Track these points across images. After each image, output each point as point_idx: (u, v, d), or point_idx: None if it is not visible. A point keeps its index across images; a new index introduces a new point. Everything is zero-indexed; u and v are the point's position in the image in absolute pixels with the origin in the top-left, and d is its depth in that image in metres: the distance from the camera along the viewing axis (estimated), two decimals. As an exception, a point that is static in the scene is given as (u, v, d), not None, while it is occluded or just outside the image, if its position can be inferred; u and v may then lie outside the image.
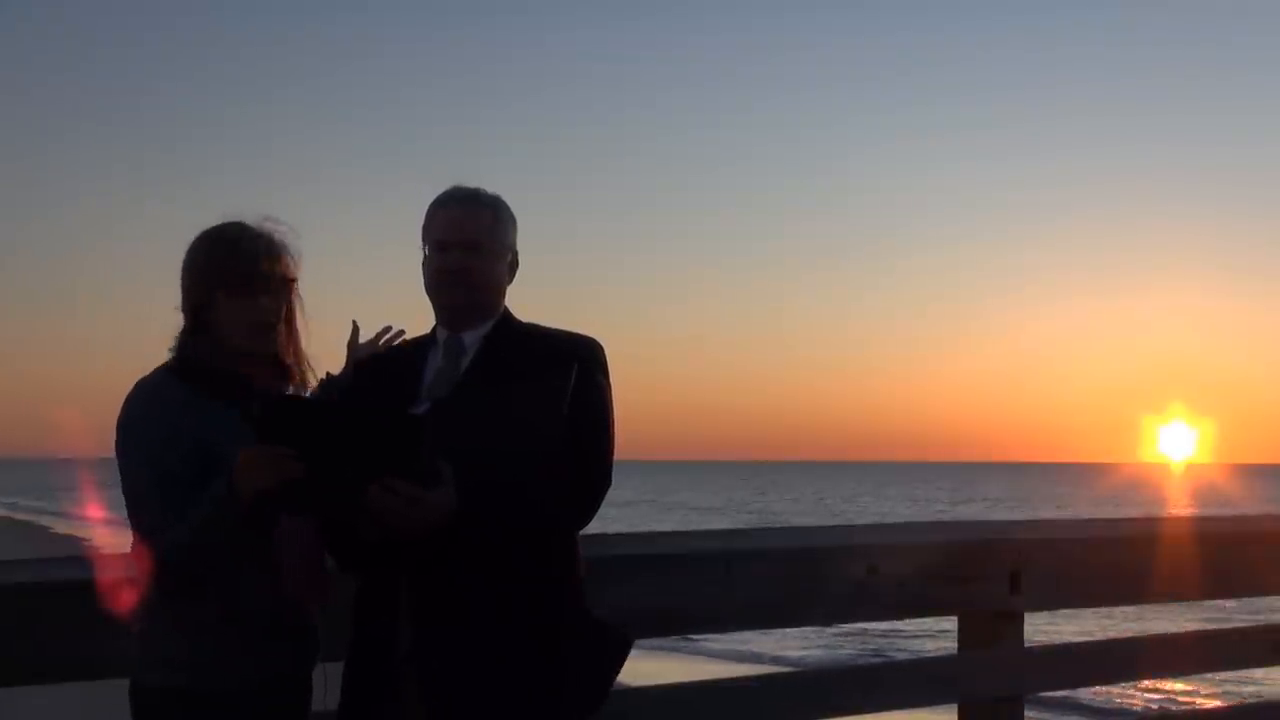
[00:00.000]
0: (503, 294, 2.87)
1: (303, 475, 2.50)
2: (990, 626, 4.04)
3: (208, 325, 2.74)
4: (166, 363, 2.76)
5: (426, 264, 2.82)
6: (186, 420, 2.68)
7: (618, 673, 2.81)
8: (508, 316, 2.86)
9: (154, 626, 2.72)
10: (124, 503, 2.69)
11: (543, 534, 2.72)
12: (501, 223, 2.85)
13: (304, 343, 2.86)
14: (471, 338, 2.81)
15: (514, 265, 2.89)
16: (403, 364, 2.84)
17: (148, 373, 2.76)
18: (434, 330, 2.87)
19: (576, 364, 2.71)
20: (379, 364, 2.89)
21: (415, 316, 2.90)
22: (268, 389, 2.76)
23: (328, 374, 2.92)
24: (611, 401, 2.82)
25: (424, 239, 2.84)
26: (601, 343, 2.84)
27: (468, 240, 2.78)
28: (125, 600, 2.76)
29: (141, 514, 2.67)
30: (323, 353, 2.93)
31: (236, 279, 2.71)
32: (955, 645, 4.12)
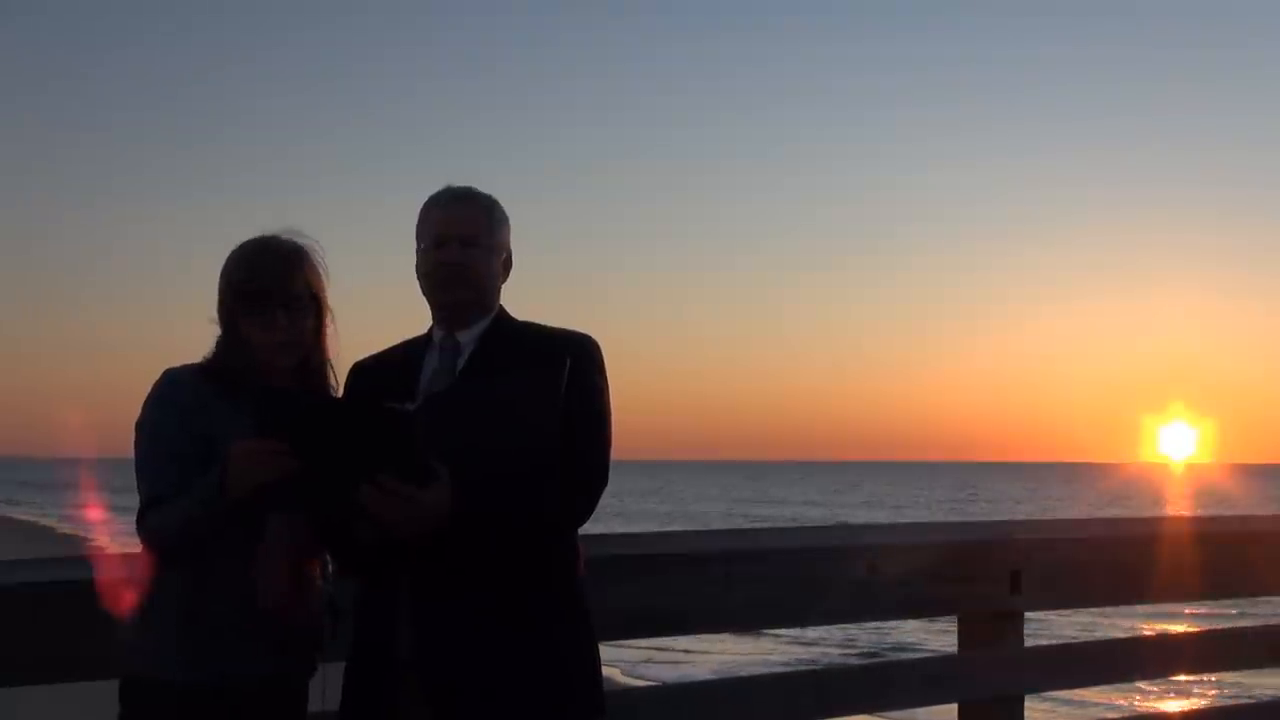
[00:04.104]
0: (498, 292, 2.88)
1: (295, 470, 2.51)
2: (990, 626, 4.05)
3: (238, 337, 2.80)
4: (200, 361, 2.83)
5: (423, 261, 2.83)
6: (200, 411, 2.74)
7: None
8: (503, 315, 2.87)
9: (149, 621, 2.74)
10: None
11: (540, 532, 2.72)
12: (496, 221, 2.86)
13: (332, 351, 2.91)
14: (467, 337, 2.82)
15: (508, 264, 2.90)
16: (399, 366, 2.84)
17: (177, 365, 2.84)
18: (429, 331, 2.87)
19: (570, 359, 2.72)
20: (376, 367, 2.89)
21: (415, 316, 2.91)
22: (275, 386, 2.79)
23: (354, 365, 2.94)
24: (608, 397, 2.82)
25: (419, 237, 2.84)
26: (598, 340, 2.85)
27: (466, 235, 2.80)
28: (125, 600, 2.78)
29: (139, 485, 2.74)
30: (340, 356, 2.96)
31: (256, 297, 2.78)
32: (955, 645, 4.13)
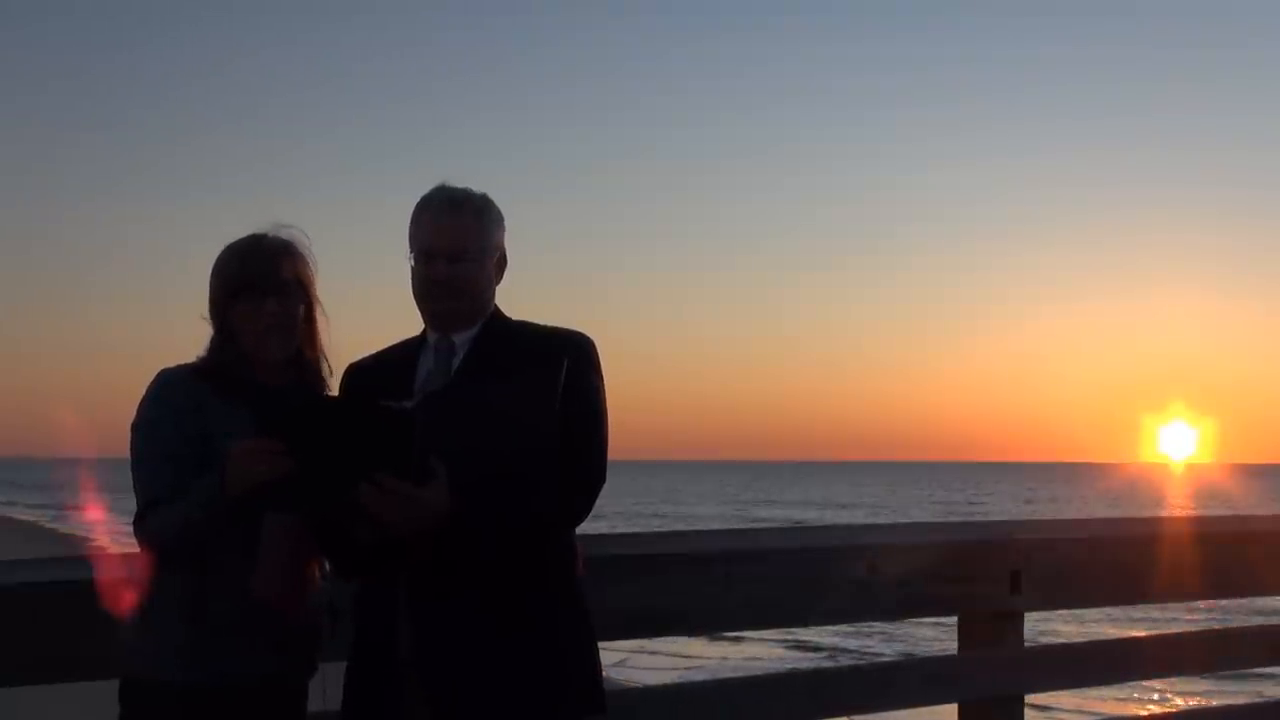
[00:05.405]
0: (491, 295, 2.86)
1: (293, 470, 2.51)
2: (990, 626, 4.04)
3: (230, 333, 2.80)
4: (194, 361, 2.83)
5: (413, 272, 2.82)
6: (195, 411, 2.74)
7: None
8: (497, 315, 2.86)
9: (149, 621, 2.74)
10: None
11: (538, 531, 2.72)
12: (487, 225, 2.83)
13: (324, 342, 2.91)
14: (461, 338, 2.81)
15: (502, 264, 2.88)
16: (395, 367, 2.83)
17: (171, 365, 2.84)
18: (424, 332, 2.86)
19: (567, 359, 2.73)
20: (372, 367, 2.89)
21: (415, 315, 2.90)
22: (272, 385, 2.79)
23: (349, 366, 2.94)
24: (604, 396, 2.82)
25: (410, 244, 2.82)
26: (593, 338, 2.84)
27: (453, 250, 2.76)
28: (125, 600, 2.77)
29: (135, 486, 2.74)
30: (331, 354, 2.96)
31: (244, 286, 2.79)
32: (955, 645, 4.13)
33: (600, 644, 2.88)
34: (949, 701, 4.03)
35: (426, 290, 2.79)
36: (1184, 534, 4.62)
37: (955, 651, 4.14)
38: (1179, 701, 12.48)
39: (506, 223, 2.89)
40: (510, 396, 2.69)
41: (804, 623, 3.98)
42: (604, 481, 2.78)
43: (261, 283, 2.78)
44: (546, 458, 2.67)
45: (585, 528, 2.84)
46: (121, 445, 2.80)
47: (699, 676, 13.19)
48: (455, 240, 2.78)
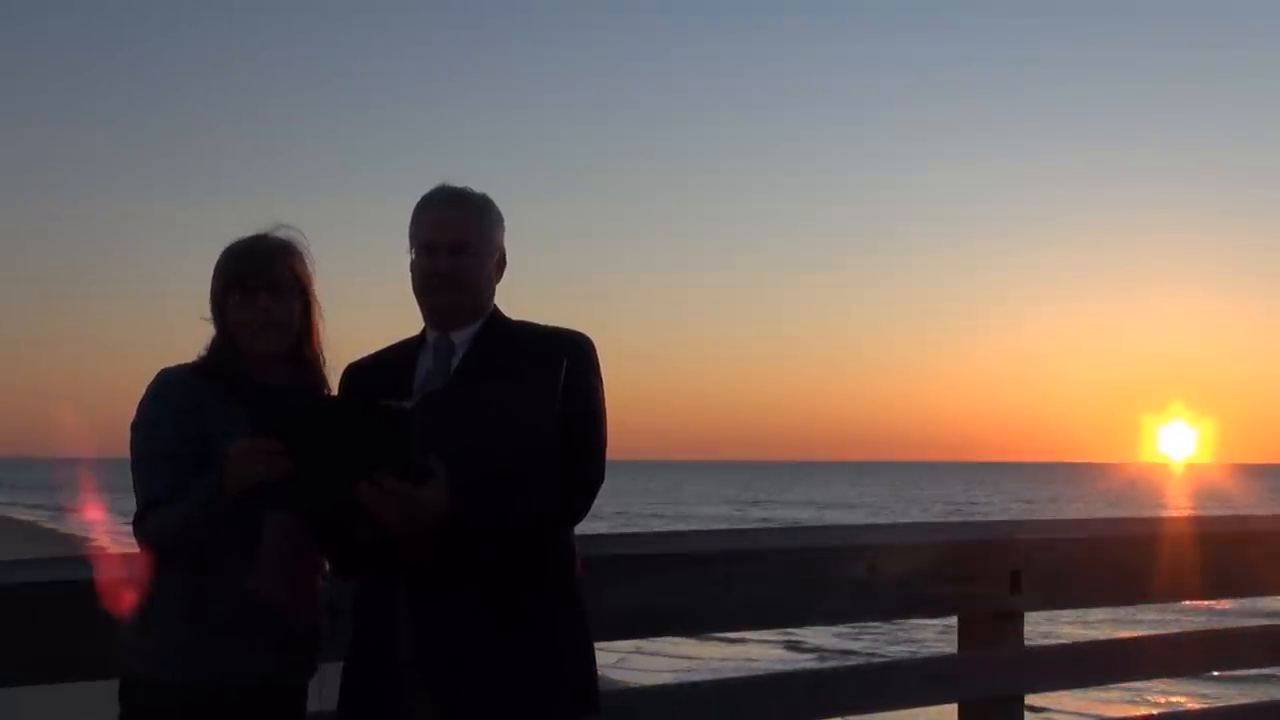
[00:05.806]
0: (491, 294, 2.87)
1: (291, 470, 2.51)
2: (990, 626, 4.04)
3: (229, 332, 2.82)
4: (194, 361, 2.84)
5: (414, 266, 2.83)
6: (195, 411, 2.75)
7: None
8: (497, 315, 2.87)
9: (149, 621, 2.74)
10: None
11: (537, 530, 2.72)
12: (488, 223, 2.84)
13: (321, 341, 2.92)
14: (461, 337, 2.81)
15: (502, 264, 2.89)
16: (394, 366, 2.84)
17: (172, 365, 2.85)
18: (423, 332, 2.87)
19: (567, 359, 2.73)
20: (371, 367, 2.89)
21: (416, 315, 2.90)
22: (270, 385, 2.79)
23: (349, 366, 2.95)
24: (603, 396, 2.83)
25: (410, 241, 2.84)
26: (592, 338, 2.84)
27: (454, 243, 2.78)
28: (125, 600, 2.78)
29: (135, 486, 2.75)
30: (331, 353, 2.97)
31: (239, 283, 2.80)
32: (955, 645, 4.13)
33: (599, 644, 2.88)
34: (949, 701, 4.03)
35: (427, 283, 2.80)
36: (1184, 534, 4.62)
37: (955, 651, 4.14)
38: (1179, 701, 12.46)
39: (506, 223, 2.90)
40: (510, 396, 2.69)
41: (804, 623, 3.98)
42: (603, 481, 2.78)
43: (255, 280, 2.80)
44: (546, 458, 2.67)
45: (585, 528, 2.84)
46: (121, 445, 2.80)
47: (697, 676, 13.18)
48: (457, 234, 2.79)
